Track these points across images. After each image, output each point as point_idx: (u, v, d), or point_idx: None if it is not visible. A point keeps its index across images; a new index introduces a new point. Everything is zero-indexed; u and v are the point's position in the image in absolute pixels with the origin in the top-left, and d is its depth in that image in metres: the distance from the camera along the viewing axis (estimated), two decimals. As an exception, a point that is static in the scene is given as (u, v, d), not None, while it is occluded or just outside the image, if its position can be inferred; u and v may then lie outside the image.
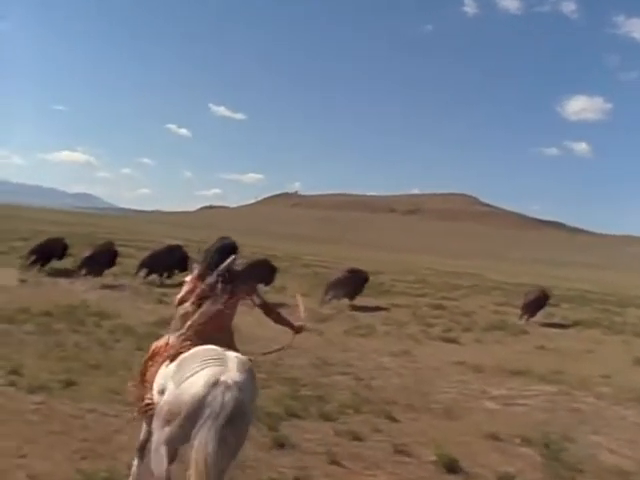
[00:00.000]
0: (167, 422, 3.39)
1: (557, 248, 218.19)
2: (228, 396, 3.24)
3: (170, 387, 3.50)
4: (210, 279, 4.01)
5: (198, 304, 3.96)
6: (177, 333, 3.95)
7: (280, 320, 4.47)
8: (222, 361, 3.47)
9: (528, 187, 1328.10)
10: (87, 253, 16.97)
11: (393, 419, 6.55)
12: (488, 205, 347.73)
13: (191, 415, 3.25)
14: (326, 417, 6.34)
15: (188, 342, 3.81)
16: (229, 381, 3.31)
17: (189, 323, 3.91)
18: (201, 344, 3.74)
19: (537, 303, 18.65)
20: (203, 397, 3.25)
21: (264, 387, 7.14)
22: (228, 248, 4.18)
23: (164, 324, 10.33)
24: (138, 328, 9.83)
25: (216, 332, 3.90)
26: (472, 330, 14.50)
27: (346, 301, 16.88)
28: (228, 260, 4.07)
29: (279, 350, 4.76)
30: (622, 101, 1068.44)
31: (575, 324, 18.34)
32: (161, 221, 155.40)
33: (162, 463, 3.40)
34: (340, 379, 8.19)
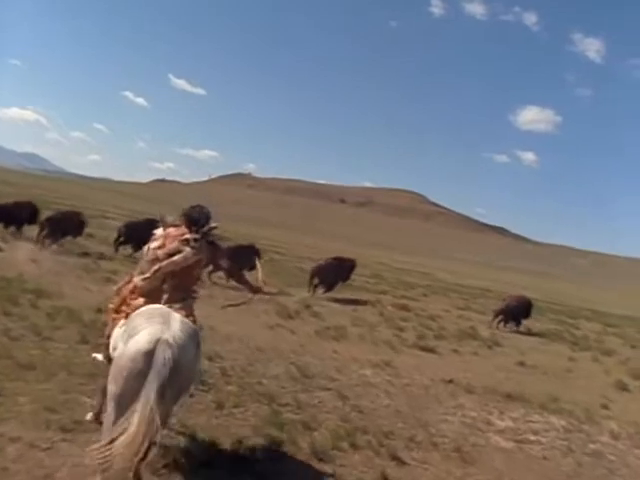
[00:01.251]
0: (116, 379, 3.58)
1: (500, 253, 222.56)
2: (168, 354, 3.49)
3: (120, 346, 3.76)
4: (194, 235, 4.36)
5: (169, 254, 4.24)
6: (142, 276, 4.21)
7: (242, 281, 5.18)
8: (165, 320, 3.73)
9: (475, 191, 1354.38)
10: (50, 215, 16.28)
11: (399, 460, 5.28)
12: (435, 204, 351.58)
13: (135, 371, 3.49)
14: (320, 455, 5.01)
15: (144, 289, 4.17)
16: (170, 340, 3.57)
17: (156, 267, 4.19)
18: (162, 290, 4.15)
19: (520, 310, 18.38)
20: (145, 354, 3.49)
21: (237, 405, 5.83)
22: (206, 217, 4.54)
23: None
24: (83, 313, 8.25)
25: (181, 282, 4.24)
26: (445, 338, 13.47)
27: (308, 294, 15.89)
28: (211, 225, 4.50)
29: (241, 304, 5.43)
30: (572, 116, 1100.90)
31: (540, 335, 17.67)
32: (112, 190, 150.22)
33: (111, 416, 3.57)
34: (324, 396, 6.87)
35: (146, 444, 3.37)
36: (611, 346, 18.53)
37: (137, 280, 4.27)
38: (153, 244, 4.46)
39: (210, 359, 7.41)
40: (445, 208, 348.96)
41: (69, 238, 16.38)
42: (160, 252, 4.32)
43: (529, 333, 18.08)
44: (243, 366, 7.51)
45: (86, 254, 15.32)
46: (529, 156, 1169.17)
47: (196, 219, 4.51)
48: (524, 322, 18.41)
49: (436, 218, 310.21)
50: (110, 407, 3.64)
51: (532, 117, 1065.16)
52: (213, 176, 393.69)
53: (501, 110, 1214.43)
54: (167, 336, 3.60)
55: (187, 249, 4.29)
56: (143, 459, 3.55)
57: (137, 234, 15.81)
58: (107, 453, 3.28)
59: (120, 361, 3.65)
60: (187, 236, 4.37)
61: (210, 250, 4.53)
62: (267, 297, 11.98)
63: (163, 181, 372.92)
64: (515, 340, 15.51)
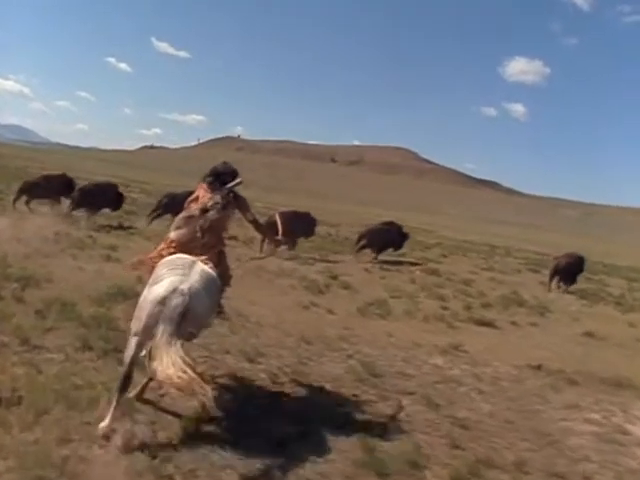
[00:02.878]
0: (137, 318, 4.02)
1: (493, 207, 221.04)
2: (180, 301, 3.87)
3: (144, 291, 4.17)
4: (220, 192, 4.68)
5: (204, 210, 4.56)
6: (179, 231, 4.57)
7: (266, 234, 6.11)
8: (186, 271, 4.11)
9: (465, 145, 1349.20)
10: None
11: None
12: (427, 160, 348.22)
13: (151, 314, 3.90)
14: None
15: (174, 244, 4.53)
16: (185, 289, 3.94)
17: (192, 226, 4.53)
18: (195, 244, 4.47)
19: (567, 269, 17.34)
20: (162, 300, 3.90)
21: (303, 435, 4.14)
22: (232, 172, 4.90)
23: (122, 297, 7.22)
24: (81, 306, 6.44)
25: (213, 236, 4.57)
26: (492, 306, 11.85)
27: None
28: (236, 180, 4.82)
29: (263, 258, 6.60)
30: (560, 66, 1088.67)
31: (577, 295, 16.14)
32: (99, 158, 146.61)
33: (130, 350, 3.96)
34: (409, 406, 5.18)
35: (176, 364, 3.58)
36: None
37: (173, 235, 4.59)
38: (189, 199, 4.83)
39: (250, 360, 5.72)
40: (436, 164, 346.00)
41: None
42: (194, 207, 4.64)
43: (568, 293, 16.74)
44: (293, 366, 5.82)
45: (79, 229, 13.48)
46: (518, 108, 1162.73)
47: (222, 173, 4.85)
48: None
49: (427, 174, 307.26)
50: (131, 342, 4.00)
51: (520, 68, 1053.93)
52: (202, 140, 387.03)
53: (489, 62, 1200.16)
54: (183, 286, 3.96)
55: (218, 204, 4.60)
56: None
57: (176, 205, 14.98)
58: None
59: (143, 303, 4.06)
60: (212, 197, 4.65)
61: (237, 203, 4.86)
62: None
63: (151, 147, 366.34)
64: (559, 303, 14.04)
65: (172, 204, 15.56)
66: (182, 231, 4.56)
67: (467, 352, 7.48)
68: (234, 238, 13.83)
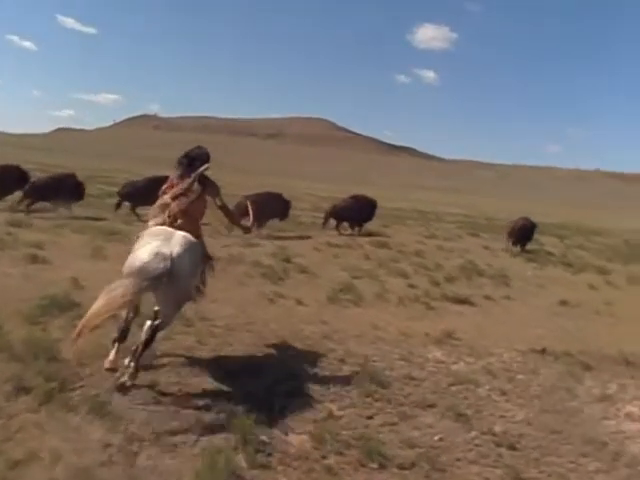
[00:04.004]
0: (122, 282, 4.06)
1: (412, 173, 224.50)
2: (160, 264, 4.08)
3: (130, 255, 4.37)
4: (188, 179, 4.75)
5: (175, 197, 4.69)
6: (155, 219, 4.72)
7: (235, 221, 5.79)
8: (167, 238, 4.33)
9: (382, 113, 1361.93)
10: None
11: None
12: (345, 130, 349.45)
13: (133, 274, 4.09)
14: None
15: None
16: (167, 252, 4.16)
17: (168, 211, 4.67)
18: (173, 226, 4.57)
19: (522, 232, 17.74)
20: (145, 262, 4.10)
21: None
22: (203, 156, 4.94)
23: (58, 310, 5.95)
24: (9, 326, 5.16)
25: (188, 219, 4.67)
26: (457, 279, 11.24)
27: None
28: (204, 166, 4.83)
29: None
30: (466, 32, 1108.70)
31: (527, 260, 15.82)
32: (10, 144, 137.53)
33: (122, 312, 4.40)
34: (441, 426, 4.29)
35: (107, 314, 3.93)
36: (592, 261, 17.15)
37: (150, 224, 4.74)
38: (163, 187, 4.95)
39: (231, 382, 4.67)
40: (355, 133, 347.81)
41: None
42: (167, 196, 4.79)
43: (514, 256, 16.50)
44: (285, 383, 4.79)
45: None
46: (429, 74, 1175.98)
47: (194, 157, 4.93)
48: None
49: (347, 144, 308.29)
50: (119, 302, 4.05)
51: (429, 35, 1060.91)
52: (117, 120, 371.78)
53: (398, 30, 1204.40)
54: (165, 248, 4.21)
55: (188, 189, 4.74)
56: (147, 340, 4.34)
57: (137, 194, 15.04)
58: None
59: (127, 263, 4.30)
60: (181, 185, 4.78)
61: (207, 188, 4.90)
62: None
63: (66, 130, 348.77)
64: (515, 269, 13.62)
65: (133, 193, 15.34)
66: (158, 219, 4.71)
67: (461, 339, 6.69)
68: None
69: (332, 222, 17.79)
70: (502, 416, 4.51)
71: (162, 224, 4.61)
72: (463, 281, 11.12)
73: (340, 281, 9.58)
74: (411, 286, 9.89)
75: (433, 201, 68.00)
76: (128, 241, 11.13)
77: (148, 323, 4.39)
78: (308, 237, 15.65)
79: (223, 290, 7.81)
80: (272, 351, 5.61)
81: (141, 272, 4.08)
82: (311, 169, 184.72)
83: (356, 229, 17.89)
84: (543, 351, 6.39)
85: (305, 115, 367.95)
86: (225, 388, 4.54)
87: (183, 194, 4.71)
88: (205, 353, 5.32)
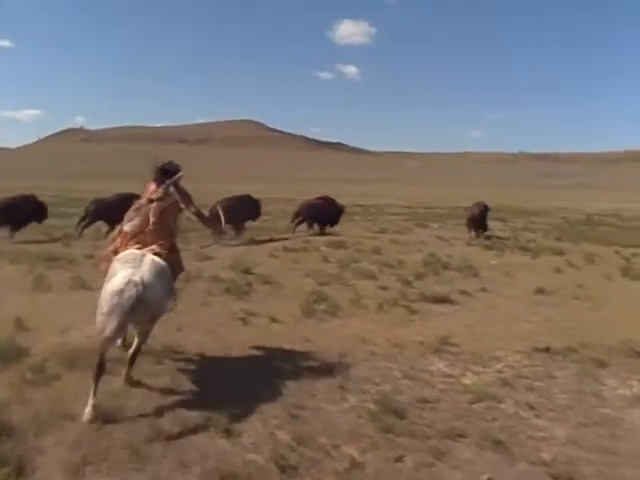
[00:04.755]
0: (101, 309, 4.32)
1: (342, 167, 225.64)
2: (133, 292, 4.23)
3: (104, 286, 4.47)
4: (164, 186, 5.06)
5: (150, 200, 4.99)
6: (131, 222, 4.95)
7: (209, 225, 6.72)
8: (137, 264, 4.49)
9: (307, 111, 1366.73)
10: None
11: None
12: (274, 130, 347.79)
13: (112, 305, 4.22)
14: None
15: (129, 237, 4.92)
16: (138, 280, 4.31)
17: (142, 216, 4.94)
18: (146, 233, 4.86)
19: (480, 219, 17.90)
20: (117, 292, 4.25)
21: None
22: (174, 169, 5.24)
23: (4, 361, 5.00)
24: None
25: (161, 225, 4.93)
26: (425, 275, 10.79)
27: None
28: (177, 175, 5.16)
29: (211, 245, 6.93)
30: (385, 25, 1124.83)
31: (485, 248, 15.60)
32: None
33: (101, 341, 4.30)
34: (478, 457, 3.68)
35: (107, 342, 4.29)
36: (544, 243, 17.13)
37: (126, 227, 4.97)
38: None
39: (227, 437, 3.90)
40: (283, 132, 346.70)
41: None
42: (142, 200, 5.08)
43: (469, 245, 16.27)
44: (287, 428, 4.06)
45: None
46: (351, 69, 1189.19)
47: (167, 170, 5.22)
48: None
49: (276, 143, 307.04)
50: (101, 331, 4.28)
51: (349, 31, 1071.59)
52: (42, 136, 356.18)
53: (319, 27, 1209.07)
54: (136, 277, 4.34)
55: (161, 195, 5.03)
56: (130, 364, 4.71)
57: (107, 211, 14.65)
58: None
59: (104, 296, 4.36)
60: (157, 190, 5.07)
61: (180, 196, 5.18)
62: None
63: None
64: (477, 258, 13.28)
65: (102, 210, 14.91)
66: (134, 222, 4.93)
67: (457, 345, 6.14)
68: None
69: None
70: (543, 438, 3.94)
71: (138, 226, 4.90)
72: (432, 277, 10.65)
73: (309, 290, 8.91)
74: (383, 288, 9.32)
75: (366, 193, 68.05)
76: (72, 267, 10.35)
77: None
78: (260, 242, 14.94)
79: (187, 313, 7.04)
80: (260, 385, 4.85)
81: (117, 306, 4.22)
82: (242, 171, 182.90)
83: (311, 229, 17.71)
84: (547, 350, 5.92)
85: (233, 118, 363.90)
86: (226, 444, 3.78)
87: (159, 199, 5.02)
88: (186, 401, 4.52)
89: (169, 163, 5.35)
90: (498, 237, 18.75)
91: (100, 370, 4.25)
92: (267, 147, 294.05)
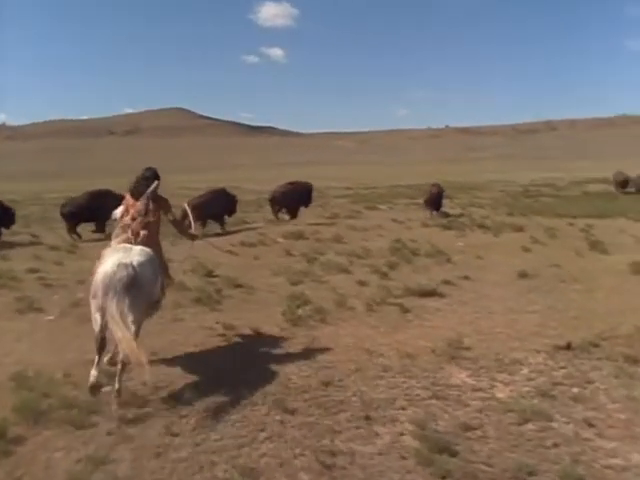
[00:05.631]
0: (93, 297, 4.55)
1: (274, 151, 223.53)
2: (124, 272, 4.41)
3: (95, 271, 4.67)
4: (143, 200, 5.17)
5: (134, 218, 5.11)
6: (118, 239, 5.09)
7: (183, 233, 6.08)
8: (127, 250, 4.75)
9: (237, 96, 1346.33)
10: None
11: None
12: (204, 117, 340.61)
13: (102, 288, 4.39)
14: None
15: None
16: (127, 262, 4.51)
17: (130, 231, 5.05)
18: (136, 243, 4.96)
19: (438, 199, 18.07)
20: (109, 275, 4.40)
21: None
22: (153, 175, 5.37)
23: None
24: None
25: (147, 236, 5.05)
26: (399, 264, 10.24)
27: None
28: (153, 185, 5.26)
29: (189, 255, 6.96)
30: (306, 6, 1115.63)
31: (444, 228, 15.18)
32: None
33: (96, 325, 4.51)
34: None
35: (132, 330, 4.35)
36: (498, 219, 16.90)
37: (113, 243, 5.08)
38: (119, 211, 5.38)
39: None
40: (214, 119, 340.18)
41: None
42: (127, 218, 5.19)
43: (426, 226, 15.83)
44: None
45: None
46: (277, 52, 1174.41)
47: (146, 178, 5.35)
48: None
49: (207, 131, 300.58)
50: (96, 317, 4.50)
51: (272, 13, 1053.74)
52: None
53: (240, 10, 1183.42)
54: (126, 259, 4.57)
55: (142, 210, 5.15)
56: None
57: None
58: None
59: (95, 282, 4.54)
60: (137, 205, 5.19)
61: (159, 205, 5.29)
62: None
63: None
64: (443, 241, 12.78)
65: (74, 211, 14.69)
66: (120, 238, 5.08)
67: (470, 348, 5.54)
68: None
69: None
70: (623, 468, 3.35)
71: (126, 241, 4.99)
72: (406, 266, 10.08)
73: (284, 292, 8.15)
74: (361, 283, 8.66)
75: (306, 177, 67.11)
76: (16, 285, 9.18)
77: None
78: (211, 236, 13.97)
79: (158, 333, 6.15)
80: (271, 425, 4.08)
81: (109, 285, 4.37)
82: (176, 161, 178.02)
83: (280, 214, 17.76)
84: (569, 347, 5.38)
85: (162, 107, 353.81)
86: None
87: (141, 214, 5.14)
88: (181, 452, 3.71)
89: (146, 170, 5.50)
90: (451, 215, 18.49)
91: (102, 347, 4.58)
92: (199, 135, 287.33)
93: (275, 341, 6.01)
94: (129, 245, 4.88)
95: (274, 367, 5.22)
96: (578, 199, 24.57)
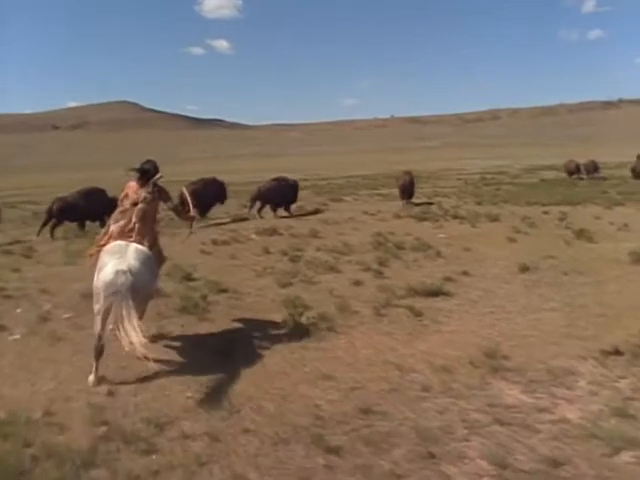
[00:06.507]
0: (97, 300, 4.78)
1: (223, 143, 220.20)
2: (122, 279, 4.65)
3: (95, 277, 4.86)
4: (147, 188, 5.36)
5: (135, 203, 5.28)
6: (117, 223, 5.26)
7: (182, 217, 6.41)
8: (122, 254, 4.88)
9: (183, 88, 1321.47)
10: None
11: None
12: (151, 110, 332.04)
13: (106, 293, 4.66)
14: None
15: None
16: (125, 268, 4.71)
17: (127, 218, 5.27)
18: (131, 231, 5.19)
19: (411, 187, 17.95)
20: (109, 282, 4.66)
21: None
22: (155, 167, 5.57)
23: None
24: None
25: (145, 223, 5.26)
26: (388, 260, 9.55)
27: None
28: (157, 176, 5.47)
29: (188, 235, 7.26)
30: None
31: (421, 219, 14.64)
32: None
33: (97, 327, 4.75)
34: None
35: (137, 329, 4.51)
36: (470, 208, 16.52)
37: (112, 227, 5.29)
38: (121, 196, 5.56)
39: None
40: (161, 112, 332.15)
41: None
42: (126, 202, 5.37)
43: (398, 217, 15.29)
44: None
45: None
46: (222, 44, 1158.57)
47: (147, 170, 5.50)
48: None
49: (154, 124, 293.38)
50: (97, 320, 4.75)
51: (216, 4, 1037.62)
52: None
53: (185, 1, 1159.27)
54: (124, 266, 4.73)
55: (145, 198, 5.31)
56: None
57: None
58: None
59: (96, 288, 4.78)
60: (141, 193, 5.36)
61: (160, 195, 5.52)
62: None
63: None
64: (423, 234, 12.15)
65: (66, 209, 14.49)
66: (120, 223, 5.27)
67: (508, 357, 4.90)
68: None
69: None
70: None
71: (123, 226, 5.22)
72: (395, 262, 9.44)
73: (275, 296, 7.39)
74: (356, 283, 7.95)
75: (258, 169, 66.09)
76: None
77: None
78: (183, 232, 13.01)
79: (127, 362, 5.26)
80: (317, 475, 3.34)
81: (108, 290, 4.65)
82: (123, 155, 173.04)
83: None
84: (617, 352, 4.81)
85: (108, 100, 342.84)
86: None
87: (140, 202, 5.29)
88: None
89: (148, 162, 5.63)
90: (420, 205, 18.06)
91: (99, 353, 4.76)
92: (146, 128, 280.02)
93: (284, 357, 5.23)
94: (124, 243, 5.06)
95: (293, 391, 4.47)
96: (538, 186, 24.57)
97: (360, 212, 16.85)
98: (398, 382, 4.52)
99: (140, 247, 5.06)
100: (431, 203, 18.53)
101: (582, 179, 27.05)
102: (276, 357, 5.26)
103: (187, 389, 4.62)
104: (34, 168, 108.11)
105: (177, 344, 5.77)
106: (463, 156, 74.51)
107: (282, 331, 5.94)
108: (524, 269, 8.28)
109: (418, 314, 6.31)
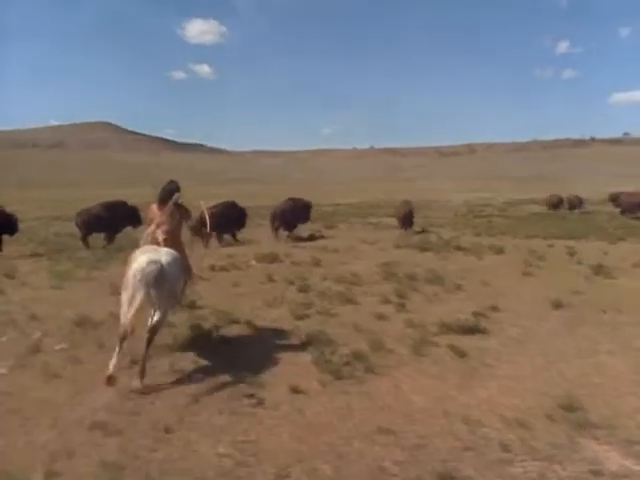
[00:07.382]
0: (125, 288, 5.02)
1: (204, 169, 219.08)
2: (153, 267, 5.00)
3: (127, 268, 5.16)
4: (167, 209, 5.81)
5: (158, 225, 5.73)
6: (146, 246, 5.61)
7: (202, 236, 7.59)
8: (156, 250, 5.37)
9: (164, 112, 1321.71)
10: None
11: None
12: (132, 132, 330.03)
13: (135, 281, 4.93)
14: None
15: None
16: (156, 259, 5.12)
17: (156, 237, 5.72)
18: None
19: (411, 215, 17.91)
20: (139, 269, 4.97)
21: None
22: (175, 188, 6.02)
23: None
24: None
25: (171, 240, 5.70)
26: (407, 293, 8.89)
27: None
28: (176, 195, 5.92)
29: (203, 257, 8.80)
30: (234, 24, 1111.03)
31: (422, 249, 14.06)
32: None
33: (126, 315, 4.86)
34: None
35: (134, 319, 4.77)
36: (471, 240, 16.00)
37: (140, 250, 5.49)
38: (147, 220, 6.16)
39: None
40: (141, 134, 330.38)
41: None
42: (152, 227, 5.79)
43: (398, 247, 14.69)
44: None
45: None
46: (204, 68, 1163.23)
47: (169, 191, 5.96)
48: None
49: (134, 146, 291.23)
50: (123, 307, 4.95)
51: (199, 29, 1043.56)
52: None
53: (169, 27, 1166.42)
54: (155, 257, 5.16)
55: (167, 218, 5.79)
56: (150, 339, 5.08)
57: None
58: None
59: (127, 277, 5.05)
60: (162, 215, 5.82)
61: (181, 213, 5.94)
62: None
63: None
64: (433, 265, 11.52)
65: (90, 221, 14.80)
66: (148, 245, 5.64)
67: (585, 409, 4.26)
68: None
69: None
70: None
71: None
72: (415, 295, 8.76)
73: (295, 331, 6.65)
74: (380, 317, 7.28)
75: (241, 195, 65.33)
76: None
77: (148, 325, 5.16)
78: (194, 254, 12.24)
79: (139, 408, 4.53)
80: None
81: (142, 279, 4.94)
82: (103, 176, 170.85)
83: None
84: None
85: (88, 120, 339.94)
86: None
87: (163, 223, 5.78)
88: None
89: (169, 183, 6.08)
90: (419, 232, 17.65)
91: (123, 338, 4.83)
92: (125, 150, 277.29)
93: (325, 405, 4.51)
94: (157, 246, 5.55)
95: (349, 448, 3.75)
96: (529, 219, 24.26)
97: (357, 240, 16.24)
98: (470, 439, 3.84)
99: (172, 250, 5.50)
100: (424, 232, 18.11)
101: (570, 212, 26.95)
102: (315, 404, 4.54)
103: (218, 443, 3.89)
104: (11, 185, 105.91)
105: (194, 385, 5.01)
106: (443, 187, 74.69)
107: (314, 371, 5.23)
108: (557, 305, 7.70)
109: (462, 354, 5.65)
